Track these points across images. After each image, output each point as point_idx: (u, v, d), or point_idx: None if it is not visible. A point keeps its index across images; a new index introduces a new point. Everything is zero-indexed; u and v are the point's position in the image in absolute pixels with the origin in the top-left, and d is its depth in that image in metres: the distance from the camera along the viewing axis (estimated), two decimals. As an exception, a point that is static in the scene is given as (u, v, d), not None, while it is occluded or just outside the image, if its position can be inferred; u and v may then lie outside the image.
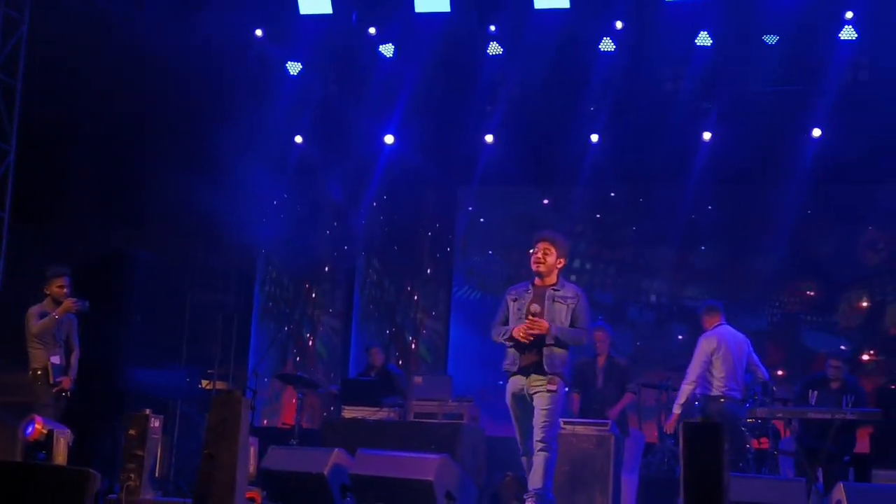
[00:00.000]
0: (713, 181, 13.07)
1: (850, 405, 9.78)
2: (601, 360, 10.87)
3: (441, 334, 14.52)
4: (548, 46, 12.36)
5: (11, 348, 9.77)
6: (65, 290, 9.71)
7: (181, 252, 13.47)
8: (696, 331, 12.64)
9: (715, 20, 12.11)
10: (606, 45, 12.36)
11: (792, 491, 7.39)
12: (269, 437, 11.14)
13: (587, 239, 14.01)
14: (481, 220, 14.60)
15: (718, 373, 9.88)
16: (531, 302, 7.63)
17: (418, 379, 11.88)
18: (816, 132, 12.49)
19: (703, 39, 12.15)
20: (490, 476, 10.62)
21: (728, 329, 10.19)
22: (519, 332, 7.51)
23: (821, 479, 9.69)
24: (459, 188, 14.43)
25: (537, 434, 7.46)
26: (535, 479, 7.52)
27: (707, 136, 12.81)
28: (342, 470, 8.57)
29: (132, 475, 8.44)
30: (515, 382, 7.66)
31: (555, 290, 7.73)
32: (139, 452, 8.50)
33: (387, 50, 12.83)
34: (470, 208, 14.49)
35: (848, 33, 11.80)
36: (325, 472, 8.48)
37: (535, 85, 12.87)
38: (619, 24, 12.20)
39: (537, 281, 7.77)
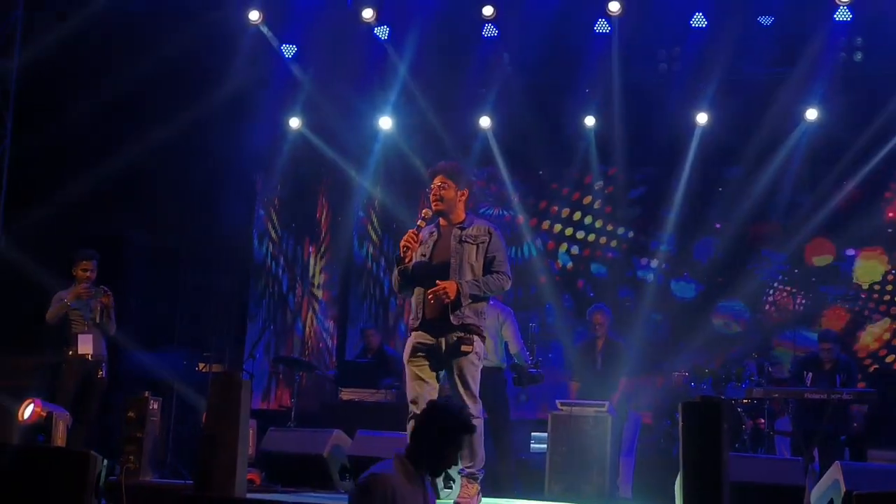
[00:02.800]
0: (706, 163, 13.08)
1: (842, 384, 9.86)
2: (600, 343, 10.83)
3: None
4: (543, 27, 12.36)
5: (12, 333, 9.80)
6: (88, 273, 9.83)
7: (177, 234, 13.49)
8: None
9: (710, 1, 12.12)
10: (601, 26, 12.37)
11: (792, 470, 7.41)
12: (267, 419, 11.19)
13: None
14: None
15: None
16: (435, 246, 6.85)
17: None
18: (811, 113, 12.49)
19: (699, 20, 12.16)
20: (488, 457, 10.65)
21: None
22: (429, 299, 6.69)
23: (817, 458, 9.77)
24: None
25: (462, 401, 6.59)
26: (466, 454, 6.79)
27: (702, 117, 12.80)
28: (341, 451, 8.62)
29: (131, 457, 8.50)
30: (418, 337, 6.81)
31: (461, 228, 6.86)
32: (138, 434, 8.55)
33: (382, 32, 12.82)
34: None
35: (843, 14, 11.82)
36: (325, 454, 8.52)
37: (530, 66, 12.84)
38: (614, 6, 12.17)
39: (442, 221, 6.91)
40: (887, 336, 12.56)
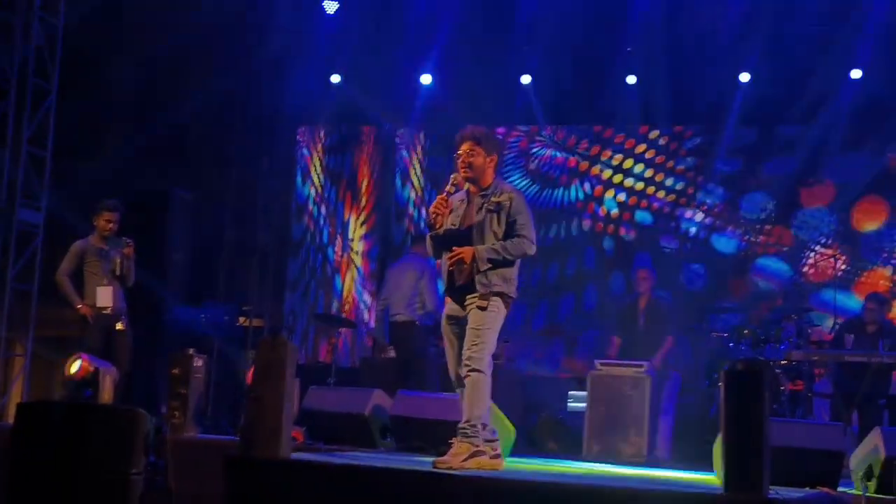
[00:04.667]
0: (751, 117, 13.03)
1: (886, 349, 9.83)
2: (643, 302, 10.83)
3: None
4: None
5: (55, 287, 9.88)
6: (111, 225, 9.77)
7: (221, 190, 13.59)
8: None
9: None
10: (645, -17, 12.31)
11: (832, 435, 7.41)
12: (306, 375, 11.29)
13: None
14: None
15: None
16: (465, 213, 6.76)
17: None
18: (856, 73, 12.39)
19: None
20: (525, 417, 10.75)
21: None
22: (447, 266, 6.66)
23: (855, 422, 9.77)
24: (498, 129, 14.38)
25: (464, 354, 6.51)
26: (463, 410, 6.55)
27: (745, 76, 12.72)
28: (382, 410, 8.68)
29: (176, 413, 8.58)
30: (448, 304, 6.79)
31: (485, 195, 6.74)
32: (183, 391, 8.61)
33: (424, -12, 12.81)
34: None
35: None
36: (366, 413, 8.59)
37: (573, 25, 12.78)
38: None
39: (472, 188, 6.80)
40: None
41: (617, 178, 13.89)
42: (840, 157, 12.89)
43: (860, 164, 12.84)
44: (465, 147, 6.75)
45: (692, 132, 13.71)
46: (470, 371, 6.46)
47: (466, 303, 6.61)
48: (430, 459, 6.49)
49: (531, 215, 6.75)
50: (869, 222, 12.89)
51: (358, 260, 14.63)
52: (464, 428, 6.46)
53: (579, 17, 12.59)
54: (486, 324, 6.51)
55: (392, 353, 10.93)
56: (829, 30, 12.19)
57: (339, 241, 14.73)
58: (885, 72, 12.22)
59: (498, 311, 6.58)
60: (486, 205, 6.70)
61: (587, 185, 13.93)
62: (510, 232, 6.65)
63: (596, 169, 13.95)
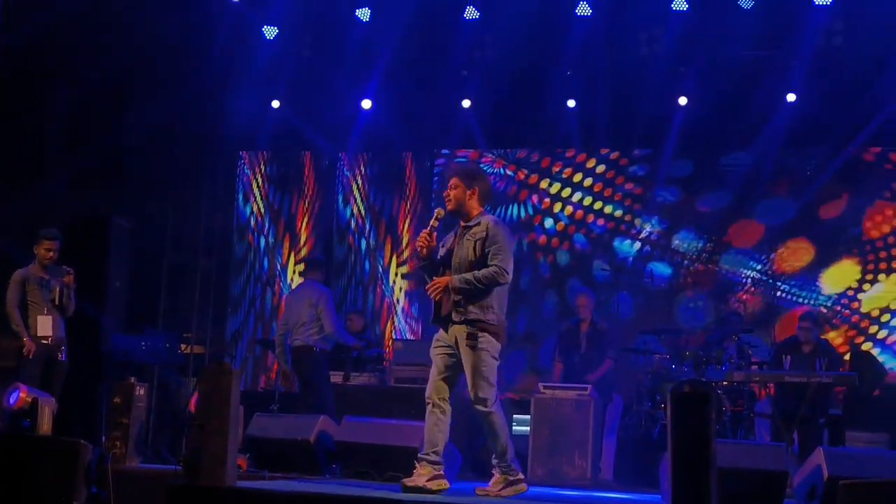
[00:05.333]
0: (689, 144, 13.19)
1: (823, 368, 9.96)
2: (584, 326, 10.99)
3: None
4: (524, 10, 12.38)
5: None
6: (51, 253, 9.70)
7: (161, 216, 13.47)
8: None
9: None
10: (583, 9, 12.38)
11: (775, 455, 7.48)
12: (248, 401, 11.19)
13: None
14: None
15: None
16: (450, 246, 7.10)
17: (398, 344, 11.94)
18: (791, 97, 12.58)
19: (679, 4, 12.19)
20: (471, 441, 10.72)
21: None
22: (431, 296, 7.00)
23: (796, 441, 9.87)
24: (435, 153, 14.40)
25: (471, 396, 6.88)
26: (493, 448, 7.07)
27: (683, 100, 12.87)
28: (328, 437, 8.64)
29: (117, 443, 8.52)
30: (437, 333, 7.11)
31: (467, 226, 7.06)
32: (124, 420, 8.57)
33: (363, 14, 12.79)
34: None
35: (822, -1, 11.92)
36: (312, 439, 8.54)
37: (511, 49, 12.85)
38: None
39: (461, 221, 7.14)
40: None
41: (556, 207, 13.99)
42: (767, 201, 13.16)
43: (787, 207, 13.09)
44: (449, 182, 7.12)
45: (626, 160, 13.85)
46: (483, 414, 6.88)
47: (450, 331, 6.93)
48: (378, 484, 6.48)
49: (509, 244, 7.00)
50: (794, 263, 13.10)
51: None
52: (496, 462, 7.02)
53: (519, 41, 12.64)
54: (482, 363, 6.81)
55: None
56: (764, 54, 12.37)
57: (277, 266, 14.64)
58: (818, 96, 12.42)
59: (489, 346, 6.85)
60: (466, 236, 6.99)
61: (528, 208, 14.01)
62: (485, 261, 6.88)
63: (535, 197, 14.03)
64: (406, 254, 14.13)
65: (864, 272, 12.84)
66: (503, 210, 13.98)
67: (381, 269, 14.25)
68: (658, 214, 13.58)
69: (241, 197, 14.74)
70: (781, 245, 13.12)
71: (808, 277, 13.02)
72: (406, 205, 14.25)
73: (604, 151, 13.84)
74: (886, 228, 12.84)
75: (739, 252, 13.29)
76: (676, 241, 13.49)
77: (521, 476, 7.08)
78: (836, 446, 9.87)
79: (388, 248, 14.30)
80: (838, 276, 12.93)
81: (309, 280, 10.66)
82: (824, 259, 13.00)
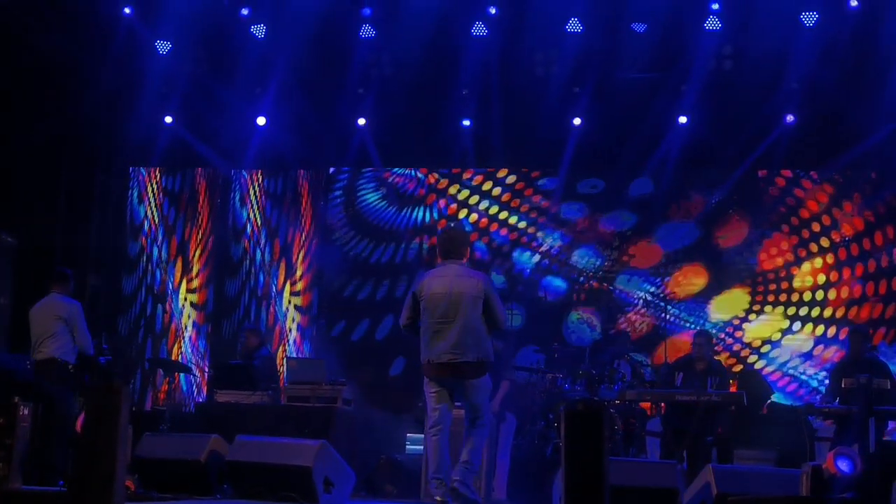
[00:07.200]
0: (583, 166, 13.33)
1: (714, 386, 10.13)
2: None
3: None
4: (421, 29, 12.46)
5: None
6: None
7: (50, 234, 13.18)
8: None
9: (585, 7, 12.34)
10: (479, 29, 12.47)
11: (666, 473, 7.58)
12: (139, 421, 10.96)
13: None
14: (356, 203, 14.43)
15: None
16: None
17: (293, 362, 11.81)
18: (682, 119, 12.79)
19: (574, 25, 12.36)
20: (364, 460, 10.65)
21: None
22: None
23: (686, 458, 10.00)
24: (332, 171, 14.33)
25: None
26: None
27: (577, 121, 13.01)
28: (219, 456, 8.49)
29: (1, 464, 8.26)
30: None
31: None
32: (7, 441, 8.31)
33: (259, 30, 12.72)
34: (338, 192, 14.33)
35: (713, 23, 12.18)
36: (203, 459, 8.40)
37: (408, 68, 12.91)
38: (492, 9, 12.34)
39: None
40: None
41: (462, 213, 14.02)
42: (668, 224, 13.37)
43: (688, 231, 13.32)
44: None
45: (524, 183, 13.91)
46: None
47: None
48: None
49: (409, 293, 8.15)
50: (686, 287, 13.31)
51: (195, 298, 14.39)
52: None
53: (415, 60, 12.69)
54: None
55: None
56: (657, 77, 12.58)
57: (174, 282, 14.43)
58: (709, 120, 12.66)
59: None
60: None
61: (434, 212, 14.04)
62: None
63: (452, 192, 14.07)
64: (301, 285, 14.03)
65: (753, 302, 13.11)
66: (409, 212, 13.99)
67: (274, 290, 14.11)
68: (562, 229, 13.67)
69: (133, 213, 14.47)
70: (677, 269, 13.30)
71: (698, 302, 13.23)
72: (301, 235, 14.17)
73: (501, 175, 13.92)
74: (780, 261, 13.11)
75: (636, 273, 13.44)
76: (575, 257, 13.59)
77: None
78: (725, 464, 10.02)
79: (282, 270, 14.16)
80: (728, 304, 13.16)
81: (55, 292, 10.52)
82: (717, 285, 13.23)
